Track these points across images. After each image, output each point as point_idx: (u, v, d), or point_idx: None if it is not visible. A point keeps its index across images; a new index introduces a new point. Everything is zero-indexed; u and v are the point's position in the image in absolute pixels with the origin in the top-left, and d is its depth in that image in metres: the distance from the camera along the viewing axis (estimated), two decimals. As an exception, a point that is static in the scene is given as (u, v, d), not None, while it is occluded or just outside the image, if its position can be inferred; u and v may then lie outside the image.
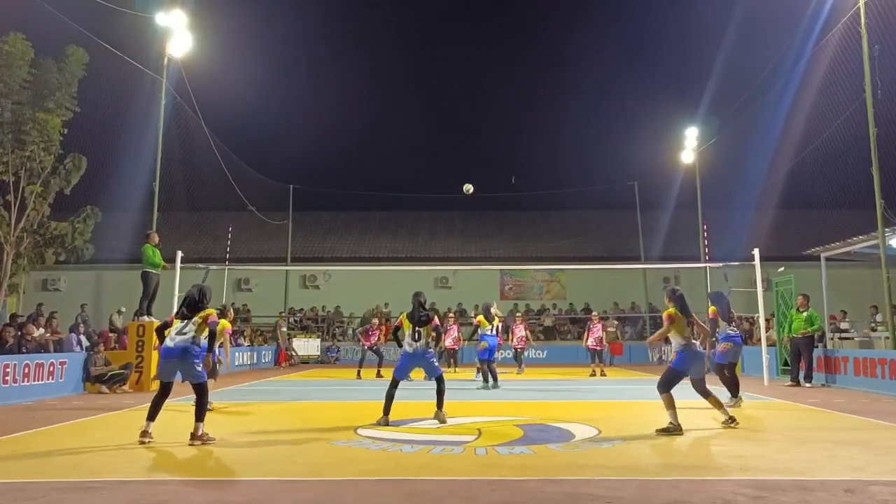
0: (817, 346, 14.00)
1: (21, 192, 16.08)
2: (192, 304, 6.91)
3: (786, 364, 14.50)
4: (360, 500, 4.42)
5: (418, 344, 8.13)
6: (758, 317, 14.98)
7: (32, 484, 4.79)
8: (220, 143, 20.08)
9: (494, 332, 13.23)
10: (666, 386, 7.37)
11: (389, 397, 8.09)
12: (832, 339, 15.72)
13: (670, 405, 7.27)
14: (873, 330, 16.61)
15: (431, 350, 8.34)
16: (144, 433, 6.54)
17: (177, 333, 6.80)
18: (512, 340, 17.60)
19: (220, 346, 8.74)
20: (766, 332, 14.34)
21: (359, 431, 7.21)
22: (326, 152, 42.43)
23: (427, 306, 8.69)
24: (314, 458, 5.87)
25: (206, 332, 6.97)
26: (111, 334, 16.00)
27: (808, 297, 13.72)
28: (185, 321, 6.83)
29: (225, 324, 9.65)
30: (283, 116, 49.64)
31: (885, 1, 12.27)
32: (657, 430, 7.09)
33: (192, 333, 6.77)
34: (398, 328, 8.38)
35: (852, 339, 16.54)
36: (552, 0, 52.95)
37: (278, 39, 50.80)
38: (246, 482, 4.91)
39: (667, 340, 7.87)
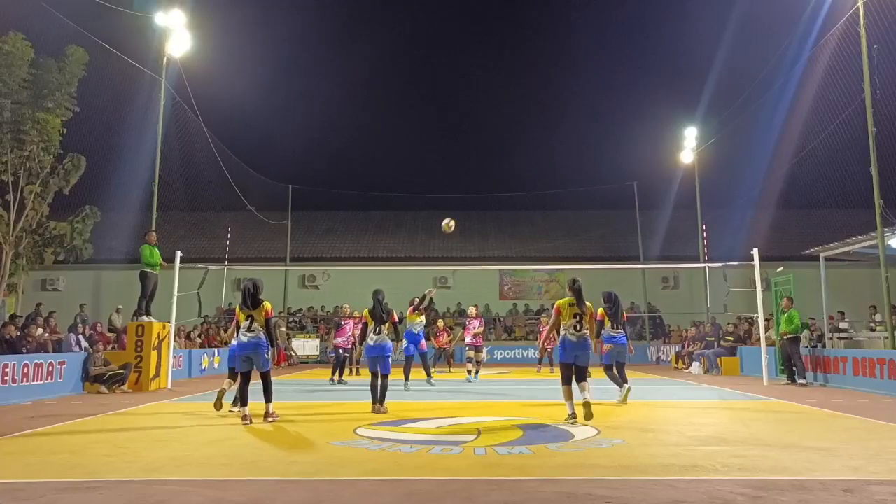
0: (815, 347, 14.13)
1: (20, 192, 16.07)
2: (252, 297, 8.03)
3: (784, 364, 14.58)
4: (359, 499, 4.43)
5: (377, 338, 8.93)
6: (757, 317, 15.00)
7: (31, 484, 4.79)
8: (219, 142, 20.10)
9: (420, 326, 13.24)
10: (563, 379, 8.05)
11: (374, 388, 8.92)
12: (831, 339, 15.74)
13: (567, 397, 7.96)
14: (872, 330, 16.63)
15: (389, 345, 9.02)
16: (245, 417, 7.79)
17: (247, 330, 7.99)
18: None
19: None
20: (766, 332, 14.37)
21: (358, 431, 7.21)
22: (325, 152, 42.50)
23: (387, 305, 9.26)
24: (313, 457, 5.87)
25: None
26: (110, 334, 16.00)
27: (791, 299, 14.02)
28: (250, 321, 7.99)
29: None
30: (281, 116, 49.66)
31: (883, 1, 12.28)
32: (564, 420, 7.76)
33: (258, 331, 7.99)
34: (365, 325, 9.11)
35: (851, 339, 16.56)
36: None
37: (277, 39, 50.83)
38: (245, 482, 4.91)
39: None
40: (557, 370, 15.93)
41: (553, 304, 8.51)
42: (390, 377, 9.06)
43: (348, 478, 5.02)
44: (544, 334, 8.37)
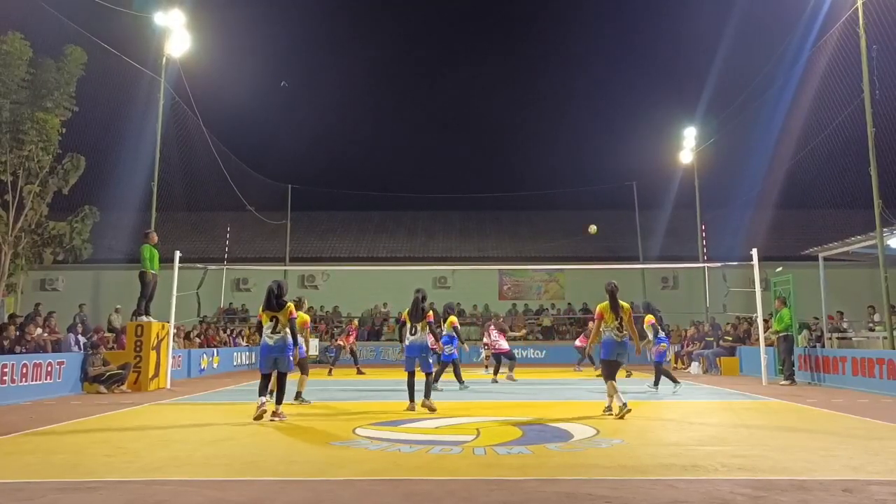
0: (814, 346, 14.20)
1: (19, 192, 16.06)
2: (277, 298, 8.21)
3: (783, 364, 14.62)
4: (359, 499, 4.42)
5: (414, 337, 9.12)
6: (756, 317, 15.01)
7: (31, 484, 4.79)
8: (218, 142, 20.10)
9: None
10: (606, 376, 8.60)
11: (410, 386, 9.21)
12: (830, 338, 15.76)
13: (612, 391, 8.47)
14: (871, 330, 16.65)
15: (428, 344, 9.21)
16: (261, 405, 7.93)
17: (272, 332, 8.17)
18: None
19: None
20: (765, 332, 14.41)
21: (357, 431, 7.21)
22: (325, 152, 42.39)
23: (426, 303, 9.39)
24: (313, 457, 5.87)
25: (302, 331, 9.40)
26: (109, 334, 15.98)
27: (783, 300, 14.18)
28: (275, 322, 8.16)
29: (304, 317, 10.63)
30: (281, 116, 49.58)
31: (883, 2, 12.29)
32: (603, 411, 8.52)
33: (282, 332, 8.18)
34: (402, 324, 9.37)
35: (850, 339, 16.59)
36: None
37: (277, 39, 50.81)
38: (245, 482, 4.91)
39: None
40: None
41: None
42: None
43: (348, 478, 5.02)
44: (592, 339, 9.17)
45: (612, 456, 5.82)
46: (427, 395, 9.15)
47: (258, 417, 7.86)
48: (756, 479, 4.85)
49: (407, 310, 9.32)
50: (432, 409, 8.81)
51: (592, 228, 14.04)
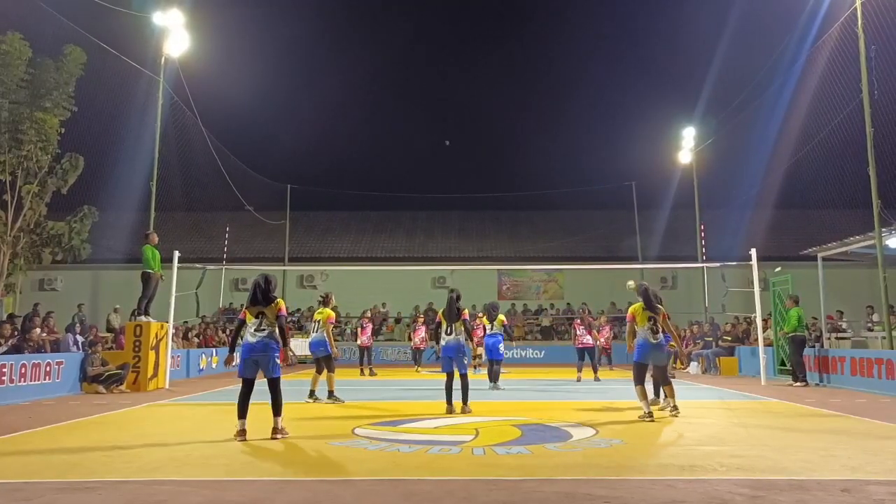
0: (813, 346, 14.15)
1: (18, 192, 16.05)
2: (264, 293, 7.04)
3: (782, 364, 14.59)
4: (358, 499, 4.42)
5: (450, 338, 8.97)
6: (755, 317, 15.02)
7: (30, 484, 4.79)
8: (217, 142, 20.09)
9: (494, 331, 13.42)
10: (636, 380, 8.29)
11: (449, 388, 8.93)
12: (829, 338, 15.76)
13: (642, 396, 8.18)
14: (869, 330, 16.66)
15: (464, 344, 9.05)
16: (241, 432, 6.68)
17: (256, 330, 6.99)
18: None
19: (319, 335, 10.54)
20: (764, 332, 14.40)
21: (356, 431, 7.21)
22: (324, 152, 42.38)
23: (459, 303, 9.27)
24: (312, 457, 5.87)
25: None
26: (108, 333, 15.97)
27: (793, 299, 14.04)
28: (260, 319, 6.99)
29: (329, 312, 10.68)
30: (280, 116, 49.56)
31: (882, 2, 12.30)
32: (639, 417, 8.07)
33: (269, 330, 6.98)
34: (438, 324, 9.24)
35: (849, 339, 16.60)
36: None
37: (276, 39, 50.75)
38: (244, 482, 4.91)
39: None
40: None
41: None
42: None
43: (347, 478, 5.03)
44: (629, 340, 8.67)
45: (610, 456, 5.82)
46: (464, 399, 8.89)
47: (241, 440, 6.64)
48: (754, 479, 4.86)
49: (442, 310, 9.26)
50: (468, 412, 8.70)
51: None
